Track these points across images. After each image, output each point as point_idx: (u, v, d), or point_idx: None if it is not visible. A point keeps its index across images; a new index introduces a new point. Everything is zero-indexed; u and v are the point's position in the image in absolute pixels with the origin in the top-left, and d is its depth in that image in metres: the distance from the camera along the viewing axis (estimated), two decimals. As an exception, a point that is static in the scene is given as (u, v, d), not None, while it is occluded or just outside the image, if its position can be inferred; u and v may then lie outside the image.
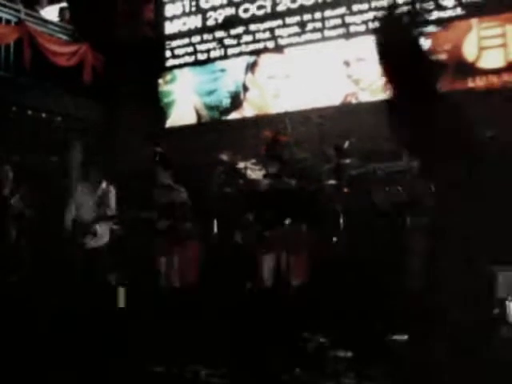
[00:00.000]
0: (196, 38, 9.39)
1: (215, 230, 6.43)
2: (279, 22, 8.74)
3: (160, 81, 9.62)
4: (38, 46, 8.13)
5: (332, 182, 6.31)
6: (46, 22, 8.78)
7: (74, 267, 5.39)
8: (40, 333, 4.30)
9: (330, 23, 8.37)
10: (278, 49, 8.76)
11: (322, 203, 5.62)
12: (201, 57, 9.35)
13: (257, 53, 8.92)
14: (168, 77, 9.62)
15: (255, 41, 8.90)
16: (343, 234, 5.61)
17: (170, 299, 5.12)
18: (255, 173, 6.82)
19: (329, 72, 8.30)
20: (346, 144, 6.83)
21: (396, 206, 5.28)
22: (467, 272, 2.14)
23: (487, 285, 2.44)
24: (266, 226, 4.79)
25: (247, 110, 8.98)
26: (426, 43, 2.28)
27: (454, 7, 7.66)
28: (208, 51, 9.27)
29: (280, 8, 8.76)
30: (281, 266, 4.94)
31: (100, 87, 8.87)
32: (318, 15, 8.47)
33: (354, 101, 8.23)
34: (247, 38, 8.95)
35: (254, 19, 8.92)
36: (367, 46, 8.19)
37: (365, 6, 8.17)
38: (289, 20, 8.67)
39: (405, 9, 3.31)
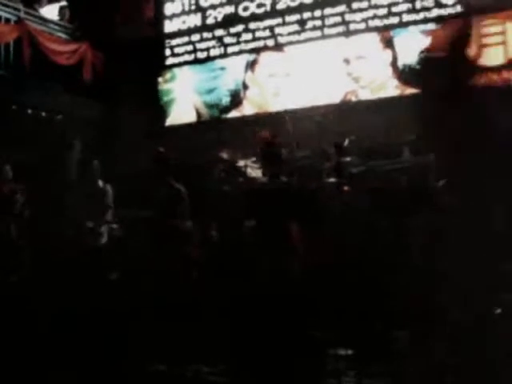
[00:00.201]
0: (196, 37, 9.38)
1: (215, 228, 6.43)
2: (279, 20, 8.72)
3: (160, 79, 9.61)
4: (38, 44, 8.12)
5: (332, 180, 6.31)
6: (45, 20, 8.77)
7: (74, 266, 5.39)
8: (40, 333, 4.30)
9: (329, 21, 8.36)
10: (278, 47, 8.75)
11: (322, 201, 5.61)
12: (200, 55, 9.34)
13: (257, 51, 8.92)
14: (168, 75, 9.61)
15: (255, 39, 8.89)
16: (343, 232, 5.61)
17: (169, 298, 5.11)
18: (255, 171, 6.82)
19: (329, 70, 8.30)
20: (346, 142, 6.83)
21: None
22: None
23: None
24: (265, 225, 4.78)
25: (247, 109, 8.98)
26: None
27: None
28: (208, 49, 9.27)
29: (280, 6, 8.75)
30: (280, 265, 4.92)
31: (100, 86, 8.87)
32: (317, 13, 8.45)
33: (353, 99, 8.22)
34: (247, 36, 8.94)
35: (254, 17, 8.92)
36: (367, 44, 8.21)
37: (364, 4, 8.16)
38: (289, 18, 8.65)
39: None
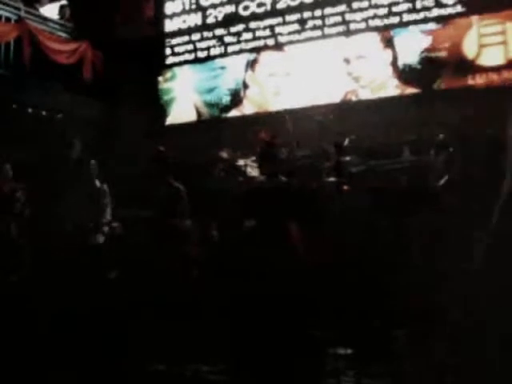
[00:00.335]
0: (196, 36, 9.39)
1: (215, 227, 6.43)
2: (279, 19, 8.73)
3: (160, 78, 9.62)
4: (38, 43, 8.12)
5: (332, 179, 6.30)
6: (45, 19, 8.77)
7: (74, 265, 5.38)
8: (40, 332, 4.30)
9: (330, 21, 8.37)
10: (278, 46, 8.76)
11: (322, 201, 5.61)
12: (201, 54, 9.35)
13: (257, 50, 8.92)
14: (168, 74, 9.61)
15: (255, 38, 8.89)
16: (343, 232, 5.60)
17: (169, 297, 5.11)
18: (255, 170, 6.82)
19: (329, 69, 8.30)
20: (346, 141, 6.83)
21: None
22: None
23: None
24: (265, 224, 4.78)
25: (247, 108, 8.98)
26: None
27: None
28: (208, 49, 9.27)
29: (280, 5, 8.76)
30: (280, 265, 4.93)
31: (100, 85, 8.87)
32: (318, 13, 8.46)
33: (354, 98, 8.23)
34: (247, 35, 8.94)
35: (254, 16, 8.92)
36: (367, 44, 8.21)
37: (365, 4, 8.16)
38: (289, 17, 8.66)
39: None
